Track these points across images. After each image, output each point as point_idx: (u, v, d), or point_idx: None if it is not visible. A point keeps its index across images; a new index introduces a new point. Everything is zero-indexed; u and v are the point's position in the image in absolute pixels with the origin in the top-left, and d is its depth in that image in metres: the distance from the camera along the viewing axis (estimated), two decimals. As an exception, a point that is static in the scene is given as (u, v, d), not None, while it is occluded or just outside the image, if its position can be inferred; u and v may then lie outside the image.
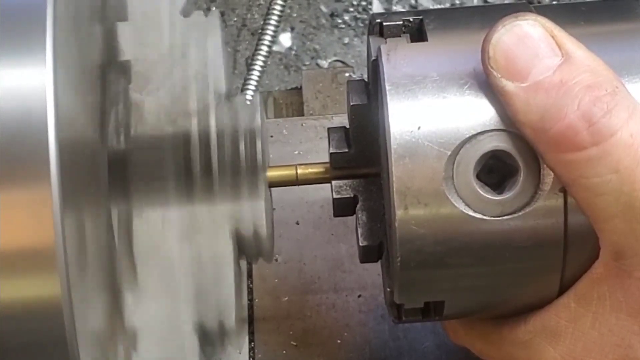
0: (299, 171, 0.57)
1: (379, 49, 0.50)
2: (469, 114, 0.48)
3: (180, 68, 0.55)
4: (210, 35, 0.57)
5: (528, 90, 0.46)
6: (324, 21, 1.00)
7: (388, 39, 0.52)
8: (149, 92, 0.54)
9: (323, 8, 1.00)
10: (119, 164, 0.53)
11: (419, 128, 0.48)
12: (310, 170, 0.57)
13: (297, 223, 0.71)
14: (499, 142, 0.48)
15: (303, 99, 0.79)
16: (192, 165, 0.54)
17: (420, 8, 1.05)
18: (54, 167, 0.41)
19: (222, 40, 0.59)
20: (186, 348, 0.56)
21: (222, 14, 1.02)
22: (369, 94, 0.54)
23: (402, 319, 0.54)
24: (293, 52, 0.99)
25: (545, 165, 0.48)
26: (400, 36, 0.52)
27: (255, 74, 0.91)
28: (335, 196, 0.56)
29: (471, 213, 0.48)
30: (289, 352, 0.66)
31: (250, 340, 0.66)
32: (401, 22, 0.52)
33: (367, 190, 0.56)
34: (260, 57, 0.91)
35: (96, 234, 0.49)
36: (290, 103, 0.81)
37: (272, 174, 0.57)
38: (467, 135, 0.48)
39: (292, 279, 0.68)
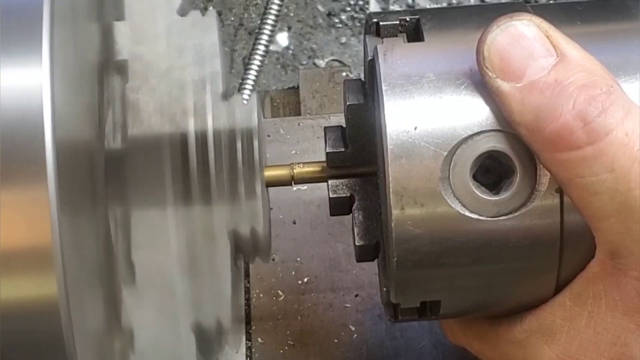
0: (296, 170, 0.57)
1: (376, 48, 0.50)
2: (466, 114, 0.48)
3: (177, 68, 0.55)
4: (208, 34, 0.57)
5: (523, 90, 0.46)
6: (321, 20, 1.00)
7: (385, 39, 0.52)
8: (146, 92, 0.54)
9: (320, 7, 1.00)
10: (116, 164, 0.53)
11: (415, 128, 0.48)
12: (306, 169, 0.57)
13: (294, 222, 0.71)
14: (496, 143, 0.48)
15: (300, 98, 0.80)
16: (190, 165, 0.54)
17: (417, 7, 1.05)
18: (50, 167, 0.41)
19: (219, 40, 0.59)
20: (183, 347, 0.56)
21: (219, 13, 1.02)
22: (366, 94, 0.54)
23: (399, 318, 0.54)
24: (290, 52, 0.99)
25: (541, 165, 0.48)
26: (396, 36, 0.52)
27: (252, 74, 0.91)
28: (331, 195, 0.56)
29: (467, 213, 0.48)
30: (286, 352, 0.66)
31: (247, 340, 0.66)
32: (398, 22, 0.52)
33: (363, 190, 0.56)
34: (257, 57, 0.92)
35: (93, 233, 0.49)
36: (287, 102, 0.81)
37: (269, 173, 0.57)
38: (464, 136, 0.48)
39: (289, 279, 0.68)
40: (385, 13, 0.54)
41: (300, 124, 0.76)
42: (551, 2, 0.95)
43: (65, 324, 0.42)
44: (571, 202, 0.47)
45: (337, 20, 1.00)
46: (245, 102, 0.58)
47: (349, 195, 0.56)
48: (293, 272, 0.69)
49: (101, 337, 0.49)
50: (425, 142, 0.48)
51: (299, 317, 0.67)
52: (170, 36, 0.56)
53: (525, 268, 0.50)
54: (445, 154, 0.48)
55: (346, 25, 1.00)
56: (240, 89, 0.90)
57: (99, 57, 0.52)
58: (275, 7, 0.93)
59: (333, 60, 1.00)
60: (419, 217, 0.48)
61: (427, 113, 0.48)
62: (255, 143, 0.56)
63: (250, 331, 0.66)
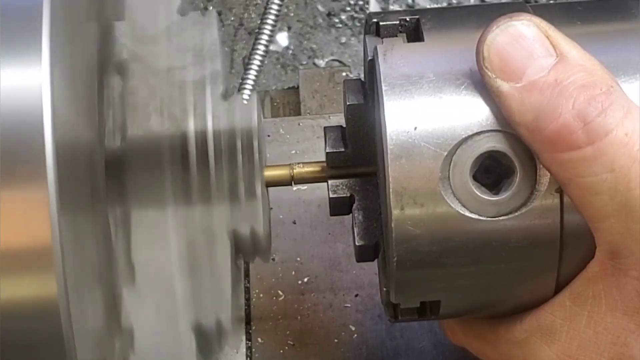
0: (296, 170, 0.57)
1: (376, 48, 0.50)
2: (466, 115, 0.48)
3: (177, 68, 0.55)
4: (208, 34, 0.57)
5: (523, 91, 0.46)
6: (320, 20, 1.00)
7: (384, 39, 0.52)
8: (146, 92, 0.54)
9: (320, 7, 1.00)
10: (116, 164, 0.53)
11: (415, 128, 0.48)
12: (306, 169, 0.57)
13: (294, 222, 0.71)
14: (496, 143, 0.48)
15: (300, 98, 0.79)
16: (189, 165, 0.54)
17: (417, 7, 1.05)
18: (50, 167, 0.41)
19: (219, 40, 0.59)
20: (183, 347, 0.56)
21: (219, 13, 1.02)
22: (366, 94, 0.55)
23: (398, 318, 0.54)
24: (290, 52, 0.99)
25: (541, 166, 0.48)
26: (396, 36, 0.52)
27: (252, 74, 0.91)
28: (331, 195, 0.56)
29: (467, 213, 0.48)
30: (286, 352, 0.66)
31: (247, 340, 0.66)
32: (398, 22, 0.52)
33: (363, 190, 0.56)
34: (257, 57, 0.91)
35: (93, 234, 0.49)
36: (287, 102, 0.81)
37: (268, 173, 0.57)
38: (464, 136, 0.48)
39: (289, 279, 0.68)
40: (385, 13, 0.54)
41: (300, 124, 0.76)
42: (551, 2, 0.95)
43: (65, 324, 0.42)
44: (571, 202, 0.47)
45: (337, 20, 1.00)
46: (245, 102, 0.58)
47: (349, 195, 0.56)
48: (293, 272, 0.69)
49: (101, 337, 0.49)
50: (425, 142, 0.48)
51: (299, 317, 0.67)
52: (170, 36, 0.56)
53: (525, 268, 0.50)
54: (445, 154, 0.48)
55: (346, 25, 1.00)
56: (240, 89, 0.90)
57: (99, 57, 0.52)
58: (275, 7, 0.93)
59: (333, 60, 1.00)
60: (418, 217, 0.48)
61: (427, 113, 0.48)
62: (255, 143, 0.56)
63: (250, 331, 0.66)
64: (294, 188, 0.67)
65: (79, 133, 0.47)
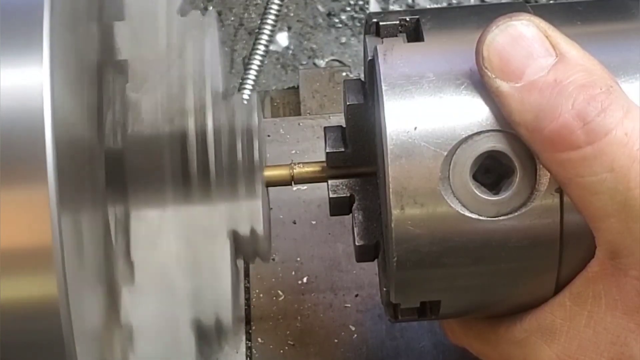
0: (296, 170, 0.57)
1: (376, 48, 0.50)
2: (466, 114, 0.48)
3: (177, 67, 0.55)
4: (207, 34, 0.58)
5: (522, 90, 0.46)
6: (321, 20, 1.00)
7: (384, 39, 0.52)
8: (146, 92, 0.54)
9: (320, 7, 1.00)
10: (116, 164, 0.53)
11: (415, 128, 0.48)
12: (306, 169, 0.57)
13: (294, 222, 0.71)
14: (495, 143, 0.48)
15: (300, 98, 0.80)
16: (189, 165, 0.54)
17: (417, 7, 1.05)
18: (50, 166, 0.41)
19: (219, 40, 0.59)
20: (183, 347, 0.56)
21: (219, 13, 1.02)
22: (366, 94, 0.55)
23: (399, 318, 0.54)
24: (290, 52, 0.99)
25: (541, 165, 0.48)
26: (396, 36, 0.52)
27: (252, 74, 0.91)
28: (331, 195, 0.56)
29: (467, 213, 0.48)
30: (286, 352, 0.66)
31: (247, 340, 0.66)
32: (398, 22, 0.52)
33: (363, 190, 0.56)
34: (257, 57, 0.92)
35: (93, 233, 0.49)
36: (287, 102, 0.81)
37: (268, 173, 0.57)
38: (464, 136, 0.48)
39: (289, 279, 0.68)
40: (385, 13, 0.54)
41: (300, 124, 0.76)
42: (551, 2, 0.95)
43: (65, 323, 0.42)
44: (571, 202, 0.47)
45: (337, 20, 1.00)
46: (245, 101, 0.58)
47: (349, 195, 0.56)
48: (293, 272, 0.69)
49: (101, 336, 0.49)
50: (425, 142, 0.48)
51: (299, 317, 0.67)
52: (170, 36, 0.56)
53: (525, 268, 0.50)
54: (445, 154, 0.48)
55: (346, 25, 1.00)
56: (240, 89, 0.91)
57: (99, 57, 0.52)
58: (275, 7, 0.93)
59: (333, 60, 1.00)
60: (419, 217, 0.48)
61: (427, 113, 0.48)
62: (255, 143, 0.56)
63: (250, 331, 0.66)
64: (294, 188, 0.67)
65: (80, 132, 0.47)
